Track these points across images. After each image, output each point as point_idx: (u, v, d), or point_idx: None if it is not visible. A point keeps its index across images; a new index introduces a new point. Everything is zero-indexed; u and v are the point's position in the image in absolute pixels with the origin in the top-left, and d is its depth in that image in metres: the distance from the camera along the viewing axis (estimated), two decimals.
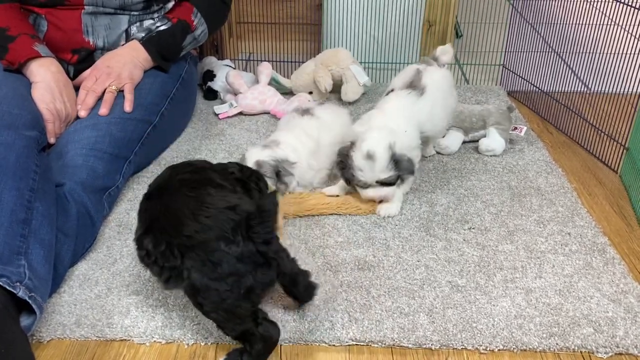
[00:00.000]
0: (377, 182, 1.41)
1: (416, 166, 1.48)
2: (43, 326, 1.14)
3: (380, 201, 1.46)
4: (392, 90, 1.55)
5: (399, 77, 1.59)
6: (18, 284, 1.05)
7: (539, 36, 2.09)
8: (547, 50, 2.05)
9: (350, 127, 1.52)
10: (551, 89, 1.98)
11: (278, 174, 1.47)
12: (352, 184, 1.45)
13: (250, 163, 1.45)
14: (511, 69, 2.14)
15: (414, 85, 1.51)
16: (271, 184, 1.43)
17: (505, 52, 2.17)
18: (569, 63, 1.98)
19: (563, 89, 1.95)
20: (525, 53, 2.09)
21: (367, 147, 1.38)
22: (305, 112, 1.65)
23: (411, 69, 1.58)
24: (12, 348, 0.97)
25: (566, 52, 2.01)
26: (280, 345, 1.12)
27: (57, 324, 1.15)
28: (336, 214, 1.47)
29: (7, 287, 1.03)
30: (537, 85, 2.01)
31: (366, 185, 1.43)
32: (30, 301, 1.05)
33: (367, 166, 1.39)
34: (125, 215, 1.46)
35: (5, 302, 1.02)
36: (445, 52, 1.65)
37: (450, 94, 1.62)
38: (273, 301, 1.21)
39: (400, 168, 1.40)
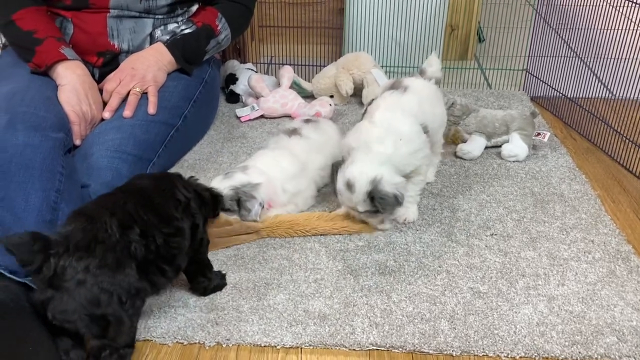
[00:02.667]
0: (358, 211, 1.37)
1: (426, 163, 1.44)
2: None
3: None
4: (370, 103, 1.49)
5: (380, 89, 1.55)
6: None
7: (562, 41, 2.07)
8: (571, 55, 2.03)
9: (342, 141, 1.47)
10: (575, 94, 1.96)
11: (239, 202, 1.39)
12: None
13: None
14: (534, 74, 2.13)
15: (395, 87, 1.47)
16: (232, 216, 1.39)
17: (529, 57, 2.15)
18: (593, 69, 1.96)
19: (587, 94, 1.93)
20: (548, 58, 2.07)
21: (348, 175, 1.33)
22: (293, 132, 1.60)
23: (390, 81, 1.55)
24: (38, 346, 0.99)
25: (590, 57, 1.99)
26: (301, 349, 1.12)
27: None
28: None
29: (33, 286, 1.04)
30: (561, 91, 2.00)
31: (348, 207, 1.39)
32: None
33: (345, 193, 1.35)
34: None
35: (31, 301, 1.04)
36: (430, 64, 1.57)
37: (437, 102, 1.54)
38: (294, 304, 1.21)
39: (383, 205, 1.32)
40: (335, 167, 1.39)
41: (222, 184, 1.40)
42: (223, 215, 1.36)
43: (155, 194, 1.10)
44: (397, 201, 1.32)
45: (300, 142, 1.56)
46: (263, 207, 1.41)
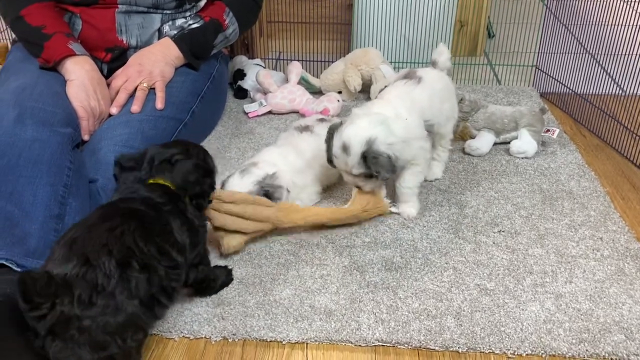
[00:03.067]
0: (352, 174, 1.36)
1: (426, 158, 1.43)
2: None
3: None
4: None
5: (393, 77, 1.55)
6: None
7: (572, 37, 2.05)
8: (581, 51, 2.01)
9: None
10: (585, 91, 1.94)
11: (267, 194, 1.40)
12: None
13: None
14: (544, 71, 2.11)
15: (410, 77, 1.47)
16: None
17: (538, 53, 2.13)
18: (603, 65, 1.94)
19: (597, 91, 1.92)
20: (558, 54, 2.05)
21: (344, 137, 1.33)
22: (305, 129, 1.60)
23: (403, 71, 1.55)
24: None
25: (601, 53, 1.97)
26: (307, 344, 1.12)
27: None
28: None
29: None
30: (571, 87, 1.98)
31: (344, 171, 1.39)
32: None
33: (341, 156, 1.34)
34: None
35: None
36: (441, 53, 1.58)
37: (449, 95, 1.54)
38: (300, 300, 1.21)
39: (377, 165, 1.31)
40: (332, 130, 1.38)
41: (242, 182, 1.40)
42: (239, 192, 1.34)
43: (152, 219, 1.05)
44: (390, 162, 1.31)
45: (310, 139, 1.56)
46: (289, 192, 1.43)
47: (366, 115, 1.35)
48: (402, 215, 1.45)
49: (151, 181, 1.13)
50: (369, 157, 1.30)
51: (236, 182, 1.40)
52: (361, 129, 1.32)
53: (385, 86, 1.49)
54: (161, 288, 1.02)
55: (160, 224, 1.06)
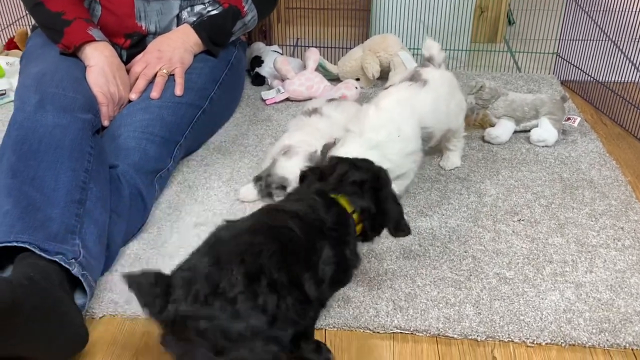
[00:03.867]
0: None
1: (415, 171, 1.40)
2: (96, 302, 1.17)
3: None
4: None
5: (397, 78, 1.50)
6: (73, 260, 1.08)
7: (594, 24, 2.02)
8: (604, 38, 1.98)
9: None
10: (607, 79, 1.91)
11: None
12: None
13: (287, 175, 1.38)
14: (565, 58, 2.08)
15: (414, 79, 1.42)
16: None
17: (560, 40, 2.11)
18: (626, 52, 1.91)
19: (619, 79, 1.89)
20: (580, 41, 2.02)
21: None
22: (314, 111, 1.60)
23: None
24: (68, 323, 1.01)
25: (623, 40, 1.94)
26: (325, 330, 1.13)
27: (109, 301, 1.18)
28: None
29: (63, 264, 1.06)
30: (592, 75, 1.95)
31: None
32: (82, 279, 1.08)
33: None
34: (175, 197, 1.49)
35: (61, 278, 1.06)
36: (430, 47, 1.50)
37: (455, 93, 1.49)
38: None
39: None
40: (326, 149, 1.36)
41: (291, 164, 1.39)
42: None
43: (300, 245, 0.94)
44: None
45: (322, 120, 1.56)
46: None
47: (358, 137, 1.29)
48: None
49: (333, 196, 1.03)
50: None
51: (287, 165, 1.39)
52: (351, 151, 1.24)
53: (390, 85, 1.44)
54: (287, 316, 0.91)
55: (306, 252, 0.95)
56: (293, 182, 1.37)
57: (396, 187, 1.30)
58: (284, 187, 1.40)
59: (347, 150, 1.27)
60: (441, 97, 1.43)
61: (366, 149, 1.27)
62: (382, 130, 1.30)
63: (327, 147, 1.36)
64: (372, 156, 1.22)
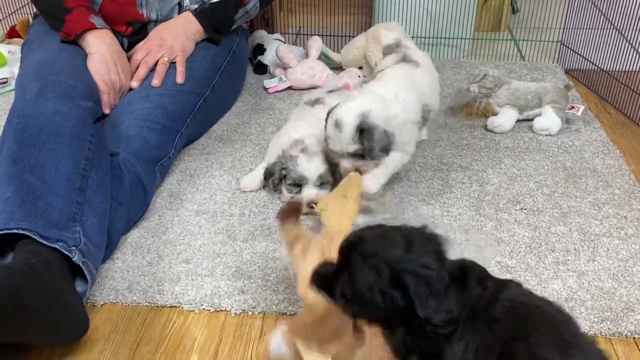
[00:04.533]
0: (347, 153, 1.28)
1: (414, 143, 1.37)
2: (97, 290, 1.18)
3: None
4: None
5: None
6: (74, 248, 1.08)
7: (599, 12, 2.00)
8: (608, 27, 1.97)
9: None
10: (611, 67, 1.90)
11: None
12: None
13: (308, 175, 1.37)
14: (569, 46, 2.07)
15: (407, 60, 1.43)
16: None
17: (564, 28, 2.09)
18: (630, 40, 1.90)
19: (624, 67, 1.87)
20: (584, 30, 2.01)
21: (336, 114, 1.26)
22: (316, 101, 1.58)
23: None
24: (68, 310, 1.01)
25: (628, 28, 1.92)
26: None
27: (110, 289, 1.18)
28: None
29: (63, 251, 1.06)
30: (597, 64, 1.94)
31: (339, 155, 1.30)
32: (83, 266, 1.08)
33: (333, 134, 1.27)
34: (176, 186, 1.49)
35: (61, 265, 1.06)
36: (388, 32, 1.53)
37: (437, 86, 1.50)
38: None
39: (371, 140, 1.23)
40: (329, 113, 1.31)
41: (313, 166, 1.37)
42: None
43: None
44: (386, 137, 1.24)
45: (325, 110, 1.54)
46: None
47: (362, 94, 1.31)
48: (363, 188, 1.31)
49: None
50: (365, 130, 1.23)
51: (308, 166, 1.37)
52: (355, 104, 1.26)
53: (382, 70, 1.42)
54: None
55: None
56: (310, 181, 1.38)
57: (395, 161, 1.33)
58: (298, 185, 1.39)
59: (349, 104, 1.26)
60: (435, 80, 1.46)
61: (370, 100, 1.26)
62: (388, 93, 1.30)
63: (331, 110, 1.31)
64: (375, 105, 1.25)
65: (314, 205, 1.36)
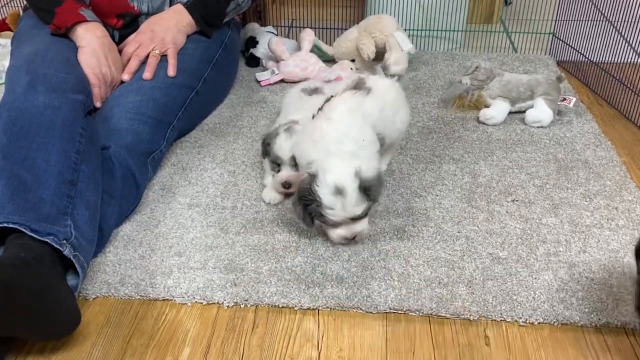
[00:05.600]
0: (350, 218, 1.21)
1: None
2: (89, 284, 1.17)
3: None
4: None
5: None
6: (65, 241, 1.08)
7: (591, 4, 2.01)
8: (600, 18, 1.97)
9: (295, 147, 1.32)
10: (603, 59, 1.90)
11: None
12: (320, 222, 1.24)
13: (282, 155, 1.35)
14: (562, 38, 2.07)
15: (358, 87, 1.32)
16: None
17: (556, 20, 2.09)
18: (622, 33, 1.90)
19: (616, 59, 1.88)
20: (576, 22, 2.01)
21: (332, 182, 1.17)
22: (314, 91, 1.55)
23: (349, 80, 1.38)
24: (60, 304, 1.01)
25: (620, 20, 1.93)
26: (318, 310, 1.13)
27: (102, 283, 1.18)
28: None
29: (54, 245, 1.06)
30: (589, 56, 1.94)
31: (337, 224, 1.23)
32: (74, 260, 1.08)
33: (338, 202, 1.17)
34: (168, 179, 1.48)
35: (53, 259, 1.06)
36: (397, 62, 1.42)
37: (402, 105, 1.41)
38: (312, 267, 1.21)
39: (372, 195, 1.20)
40: (303, 186, 1.21)
41: (288, 145, 1.35)
42: None
43: None
44: (381, 182, 1.23)
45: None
46: None
47: (334, 155, 1.20)
48: (357, 237, 1.28)
49: None
50: (368, 187, 1.19)
51: (285, 146, 1.36)
52: (344, 165, 1.18)
53: (332, 96, 1.34)
54: None
55: None
56: (285, 162, 1.37)
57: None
58: (278, 164, 1.39)
59: (335, 171, 1.18)
60: (387, 105, 1.35)
61: (349, 160, 1.19)
62: (346, 141, 1.22)
63: (306, 183, 1.21)
64: (357, 161, 1.19)
65: (288, 186, 1.37)
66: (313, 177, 1.20)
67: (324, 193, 1.18)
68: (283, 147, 1.36)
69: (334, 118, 1.25)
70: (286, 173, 1.37)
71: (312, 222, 1.25)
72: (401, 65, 1.40)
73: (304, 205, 1.21)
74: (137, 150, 1.39)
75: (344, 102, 1.29)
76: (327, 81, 1.65)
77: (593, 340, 1.07)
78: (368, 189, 1.19)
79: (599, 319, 1.09)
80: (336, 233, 1.24)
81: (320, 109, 1.31)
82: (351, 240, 1.25)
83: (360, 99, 1.30)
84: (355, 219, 1.22)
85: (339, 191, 1.17)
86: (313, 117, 1.32)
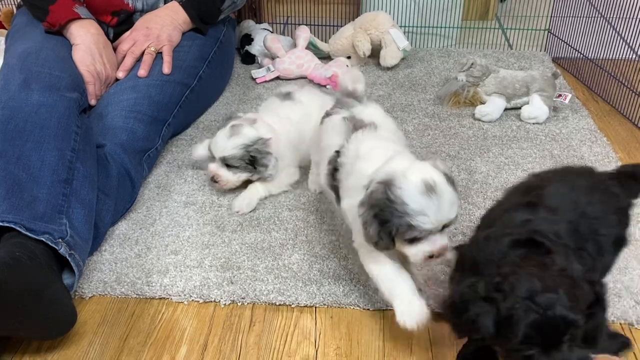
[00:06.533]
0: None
1: None
2: (85, 283, 1.17)
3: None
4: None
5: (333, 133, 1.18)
6: (60, 240, 1.07)
7: (587, 0, 2.01)
8: (595, 15, 1.97)
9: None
10: (598, 55, 1.90)
11: (254, 160, 1.35)
12: (397, 241, 0.98)
13: (217, 157, 1.36)
14: (557, 35, 2.07)
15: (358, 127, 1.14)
16: (247, 176, 1.38)
17: (551, 17, 2.09)
18: (618, 29, 1.90)
19: (611, 56, 1.88)
20: (572, 18, 2.01)
21: (419, 177, 0.94)
22: (286, 96, 1.51)
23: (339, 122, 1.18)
24: (55, 302, 1.00)
25: (615, 17, 1.93)
26: (315, 308, 1.13)
27: (98, 281, 1.18)
28: None
29: (50, 244, 1.06)
30: (584, 52, 1.94)
31: (425, 235, 0.96)
32: (69, 259, 1.07)
33: (431, 206, 0.93)
34: (164, 177, 1.48)
35: (48, 258, 1.05)
36: (356, 78, 1.26)
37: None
38: (309, 264, 1.21)
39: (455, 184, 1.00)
40: (377, 210, 0.95)
41: (229, 143, 1.35)
42: None
43: None
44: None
45: (294, 107, 1.48)
46: (277, 160, 1.38)
47: (397, 153, 1.04)
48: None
49: None
50: (450, 180, 0.98)
51: (221, 143, 1.35)
52: (424, 164, 0.99)
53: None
54: None
55: None
56: (231, 161, 1.35)
57: None
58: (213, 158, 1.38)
59: (417, 168, 0.97)
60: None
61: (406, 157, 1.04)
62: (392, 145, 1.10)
63: (379, 193, 0.96)
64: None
65: (216, 181, 1.37)
66: (386, 183, 0.95)
67: (411, 196, 0.93)
68: (216, 141, 1.36)
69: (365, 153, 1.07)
70: (212, 166, 1.38)
71: (393, 241, 0.98)
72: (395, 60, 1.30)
73: (381, 222, 0.95)
74: (133, 149, 1.39)
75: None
76: (326, 78, 1.60)
77: None
78: (453, 181, 0.99)
79: None
80: (419, 249, 0.98)
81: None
82: (435, 258, 1.00)
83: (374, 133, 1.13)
84: (442, 229, 0.98)
85: (430, 189, 0.93)
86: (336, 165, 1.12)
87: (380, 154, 1.04)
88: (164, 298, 1.15)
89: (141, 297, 1.15)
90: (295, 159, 1.45)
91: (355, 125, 1.14)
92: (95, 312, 1.12)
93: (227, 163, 1.36)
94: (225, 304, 1.14)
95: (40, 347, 1.05)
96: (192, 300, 1.15)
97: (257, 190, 1.40)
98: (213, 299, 1.15)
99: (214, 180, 1.39)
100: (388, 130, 1.17)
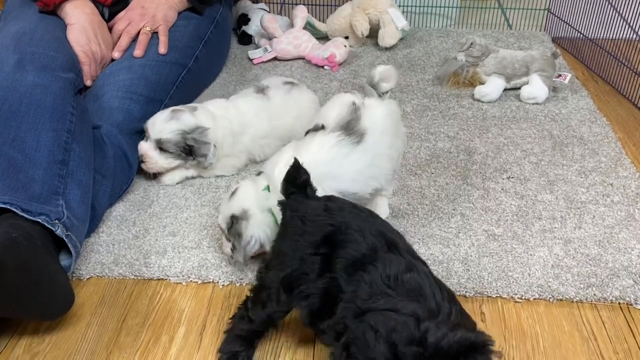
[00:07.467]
0: None
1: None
2: (82, 264, 1.16)
3: None
4: (321, 127, 1.13)
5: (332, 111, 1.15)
6: (57, 221, 1.07)
7: None
8: None
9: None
10: (598, 35, 1.89)
11: (190, 149, 1.33)
12: None
13: (152, 138, 1.34)
14: (557, 15, 2.05)
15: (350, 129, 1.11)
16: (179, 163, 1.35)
17: None
18: (618, 9, 1.88)
19: (611, 35, 1.86)
20: None
21: None
22: (261, 90, 1.47)
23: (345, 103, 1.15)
24: (53, 284, 1.00)
25: None
26: None
27: (96, 263, 1.17)
28: None
29: (46, 225, 1.05)
30: (584, 32, 1.93)
31: None
32: (66, 240, 1.07)
33: None
34: None
35: (45, 239, 1.04)
36: (387, 76, 1.20)
37: (397, 133, 1.19)
38: None
39: None
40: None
41: (166, 126, 1.32)
42: None
43: None
44: None
45: (256, 102, 1.45)
46: (216, 148, 1.34)
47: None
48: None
49: None
50: None
51: (159, 124, 1.34)
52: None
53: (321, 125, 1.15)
54: None
55: None
56: (166, 145, 1.33)
57: None
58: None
59: None
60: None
61: None
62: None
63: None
64: None
65: (143, 160, 1.36)
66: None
67: None
68: (153, 120, 1.35)
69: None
70: (142, 145, 1.36)
71: None
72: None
73: None
74: (129, 129, 1.38)
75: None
76: (287, 82, 1.52)
77: (588, 315, 1.07)
78: None
79: (594, 294, 1.09)
80: None
81: None
82: None
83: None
84: None
85: None
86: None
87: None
88: (162, 279, 1.15)
89: (139, 278, 1.15)
90: (237, 149, 1.41)
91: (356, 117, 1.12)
92: (93, 294, 1.12)
93: (160, 146, 1.34)
94: (223, 285, 1.14)
95: (38, 329, 1.05)
96: (191, 281, 1.14)
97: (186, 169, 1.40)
98: (211, 280, 1.14)
99: (141, 160, 1.36)
100: (379, 136, 1.13)
